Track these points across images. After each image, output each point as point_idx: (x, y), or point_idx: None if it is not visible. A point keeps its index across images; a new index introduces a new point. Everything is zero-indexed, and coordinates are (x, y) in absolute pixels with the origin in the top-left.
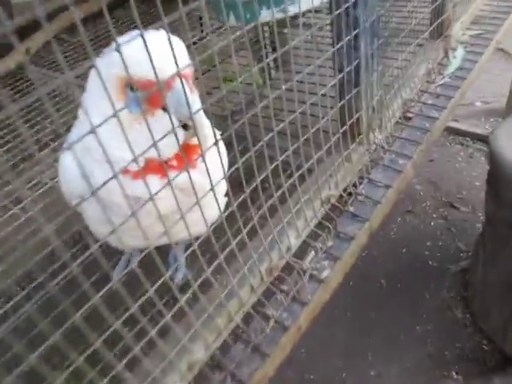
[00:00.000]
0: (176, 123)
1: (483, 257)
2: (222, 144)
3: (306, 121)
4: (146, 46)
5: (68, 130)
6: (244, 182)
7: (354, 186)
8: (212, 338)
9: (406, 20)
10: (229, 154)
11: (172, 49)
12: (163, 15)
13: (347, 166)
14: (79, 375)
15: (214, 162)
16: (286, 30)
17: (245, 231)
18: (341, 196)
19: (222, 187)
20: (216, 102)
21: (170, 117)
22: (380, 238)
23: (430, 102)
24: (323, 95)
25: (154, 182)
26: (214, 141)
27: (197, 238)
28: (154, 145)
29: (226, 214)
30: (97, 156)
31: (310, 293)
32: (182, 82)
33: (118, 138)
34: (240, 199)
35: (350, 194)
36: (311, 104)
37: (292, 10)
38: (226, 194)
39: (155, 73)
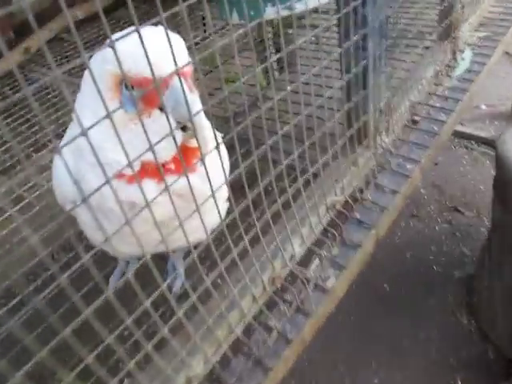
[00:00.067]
0: (174, 124)
1: (489, 263)
2: (223, 147)
3: (310, 123)
4: (141, 41)
5: (65, 130)
6: (246, 188)
7: (360, 191)
8: (211, 351)
9: (414, 21)
10: (231, 157)
11: (170, 45)
12: (161, 9)
13: (353, 171)
14: None
15: (215, 166)
16: (290, 31)
17: (246, 239)
18: (346, 202)
19: (223, 192)
20: (218, 104)
21: (167, 117)
22: (384, 243)
23: (437, 104)
24: (329, 97)
25: (151, 186)
26: (214, 143)
27: (196, 247)
28: (151, 148)
29: (228, 220)
30: (90, 159)
31: (315, 303)
32: (180, 80)
33: (112, 139)
34: (242, 206)
35: (355, 200)
36: (316, 106)
37: (299, 7)
38: (228, 200)
39: (151, 69)
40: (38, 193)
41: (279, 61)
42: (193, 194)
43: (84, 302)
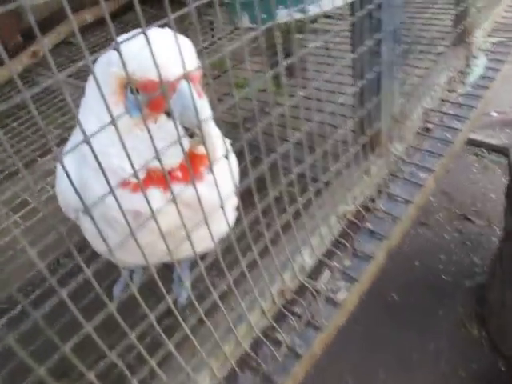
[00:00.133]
0: (181, 130)
1: (501, 273)
2: (232, 154)
3: (322, 130)
4: (148, 42)
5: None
6: (256, 199)
7: (372, 200)
8: (218, 366)
9: (427, 27)
10: (239, 163)
11: (178, 47)
12: (169, 10)
13: (365, 180)
14: None
15: (223, 174)
16: (300, 36)
17: (256, 251)
18: (358, 211)
19: (232, 200)
20: (227, 109)
21: (174, 123)
22: (392, 251)
23: (451, 111)
24: (341, 104)
25: (156, 195)
26: (223, 151)
27: (203, 257)
28: (157, 155)
29: (237, 232)
30: (93, 165)
31: (326, 317)
32: (188, 83)
33: (117, 144)
34: (251, 217)
35: (367, 210)
36: (328, 113)
37: (312, 10)
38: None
39: (158, 71)
40: (43, 198)
41: (287, 66)
42: (200, 203)
43: (86, 312)
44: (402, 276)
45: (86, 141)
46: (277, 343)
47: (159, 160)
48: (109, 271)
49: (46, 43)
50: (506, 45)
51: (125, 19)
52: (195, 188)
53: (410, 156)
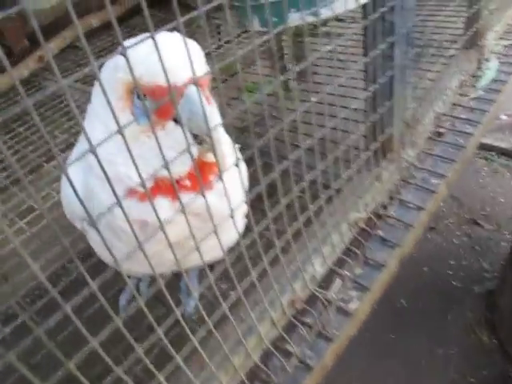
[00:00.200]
0: (190, 138)
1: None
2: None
3: (334, 136)
4: (155, 46)
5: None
6: (266, 207)
7: (384, 207)
8: (227, 379)
9: (439, 29)
10: (248, 167)
11: (187, 51)
12: (178, 14)
13: (377, 186)
14: None
15: (233, 182)
16: (307, 39)
17: (266, 261)
18: (369, 218)
19: (241, 208)
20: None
21: (183, 130)
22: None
23: (463, 116)
24: (354, 109)
25: (164, 204)
26: (233, 159)
27: (212, 267)
28: (166, 164)
29: (246, 241)
30: (99, 173)
31: (337, 327)
32: (197, 88)
33: (123, 152)
34: (262, 226)
35: (379, 217)
36: (340, 118)
37: (324, 13)
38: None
39: (166, 76)
40: (49, 204)
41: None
42: (210, 213)
43: (91, 323)
44: (411, 281)
45: (92, 151)
46: (287, 355)
47: (167, 169)
48: (115, 279)
49: (50, 48)
50: None
51: (131, 23)
52: (204, 197)
53: (422, 161)
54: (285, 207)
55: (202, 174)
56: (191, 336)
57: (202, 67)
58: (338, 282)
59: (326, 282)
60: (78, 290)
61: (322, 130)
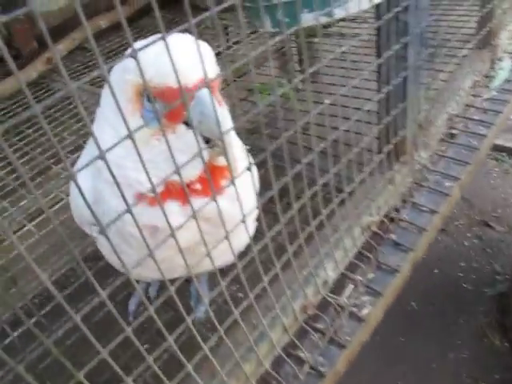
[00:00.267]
0: (201, 141)
1: None
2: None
3: (346, 138)
4: (166, 48)
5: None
6: (279, 212)
7: (397, 210)
8: None
9: (452, 29)
10: (259, 169)
11: (198, 53)
12: (190, 15)
13: (390, 189)
14: None
15: (245, 186)
16: (316, 40)
17: (278, 266)
18: (382, 222)
19: (253, 212)
20: (242, 115)
21: (194, 133)
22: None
23: (476, 117)
24: (368, 110)
25: (174, 209)
26: (245, 163)
27: (222, 271)
28: (177, 169)
29: (258, 246)
30: (109, 177)
31: (349, 333)
32: (209, 89)
33: (133, 156)
34: (275, 230)
35: (391, 220)
36: (354, 120)
37: (338, 13)
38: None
39: (177, 77)
40: (57, 206)
41: (303, 70)
42: (221, 218)
43: (100, 328)
44: (421, 284)
45: (101, 156)
46: (299, 361)
47: (179, 173)
48: (124, 284)
49: (58, 50)
50: None
51: (141, 24)
52: (216, 202)
53: (435, 164)
54: (297, 211)
55: (213, 179)
56: (202, 344)
57: (213, 69)
58: (350, 287)
59: (337, 287)
60: (87, 292)
61: (336, 133)
